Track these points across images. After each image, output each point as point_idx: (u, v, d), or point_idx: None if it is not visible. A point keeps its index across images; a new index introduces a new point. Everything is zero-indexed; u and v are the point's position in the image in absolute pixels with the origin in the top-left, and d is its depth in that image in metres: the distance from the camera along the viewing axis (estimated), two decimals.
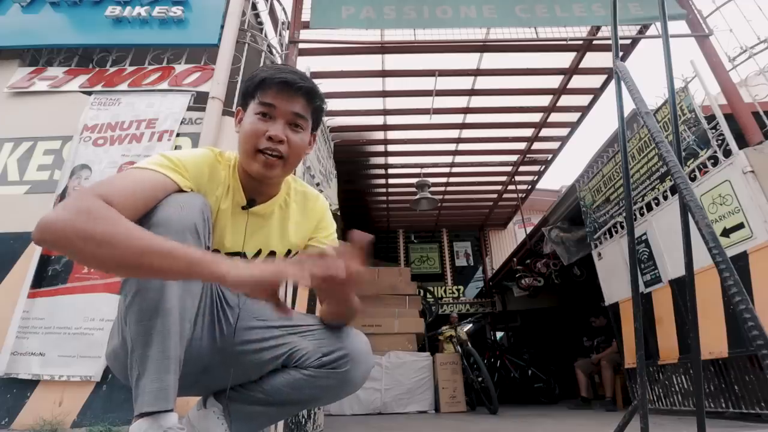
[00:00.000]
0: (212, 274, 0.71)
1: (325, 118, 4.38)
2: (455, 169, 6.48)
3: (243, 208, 1.00)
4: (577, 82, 4.67)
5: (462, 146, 5.90)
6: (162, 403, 0.74)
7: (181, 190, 0.87)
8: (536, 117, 5.29)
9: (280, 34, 3.71)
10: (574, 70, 4.48)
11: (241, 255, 1.02)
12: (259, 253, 1.05)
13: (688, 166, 3.19)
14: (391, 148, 5.95)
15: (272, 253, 1.07)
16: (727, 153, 2.91)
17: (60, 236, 0.67)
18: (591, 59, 4.39)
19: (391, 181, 6.84)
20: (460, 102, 5.03)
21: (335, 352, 0.94)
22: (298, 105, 0.95)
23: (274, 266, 0.73)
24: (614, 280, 4.17)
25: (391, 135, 5.70)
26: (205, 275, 0.71)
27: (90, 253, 0.68)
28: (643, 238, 3.71)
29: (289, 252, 1.10)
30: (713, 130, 3.03)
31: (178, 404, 0.78)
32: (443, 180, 6.78)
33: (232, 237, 0.99)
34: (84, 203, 0.70)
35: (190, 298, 0.82)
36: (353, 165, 6.22)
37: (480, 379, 4.74)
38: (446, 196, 7.28)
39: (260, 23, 3.77)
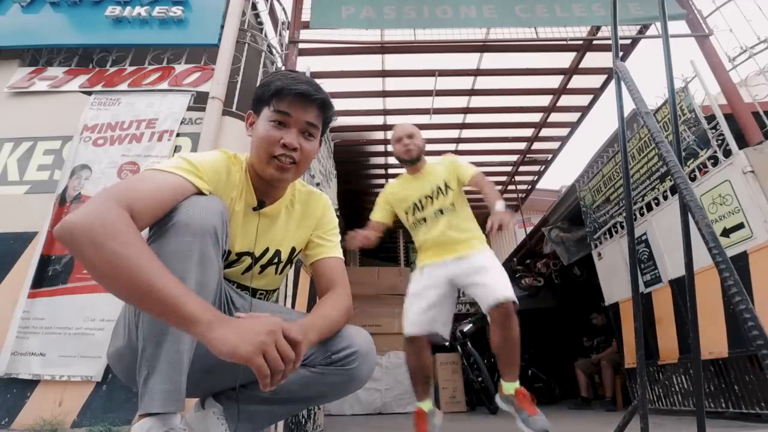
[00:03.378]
0: (199, 336, 0.69)
1: None
2: None
3: (254, 209, 1.03)
4: (577, 82, 4.67)
5: (462, 146, 5.90)
6: (173, 405, 0.75)
7: (200, 193, 0.89)
8: (536, 117, 5.29)
9: (280, 34, 3.71)
10: (574, 70, 4.48)
11: (251, 255, 1.03)
12: (266, 251, 1.07)
13: (688, 166, 3.19)
14: (391, 148, 5.94)
15: (278, 252, 1.09)
16: (727, 153, 2.91)
17: (75, 241, 0.69)
18: (591, 59, 4.39)
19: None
20: (460, 102, 5.03)
21: (344, 349, 0.96)
22: (312, 115, 0.99)
23: (258, 343, 0.69)
24: (614, 280, 4.17)
25: (391, 135, 5.70)
26: (191, 333, 0.70)
27: (95, 265, 0.69)
28: (643, 238, 3.71)
29: (293, 250, 1.12)
30: (713, 130, 3.02)
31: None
32: None
33: (243, 238, 1.02)
34: (105, 212, 0.71)
35: (205, 299, 0.82)
36: (353, 165, 6.22)
37: (480, 379, 4.74)
38: None
39: (260, 23, 3.77)
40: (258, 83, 1.03)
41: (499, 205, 2.07)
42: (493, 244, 9.54)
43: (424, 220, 2.35)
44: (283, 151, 0.96)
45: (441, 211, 2.30)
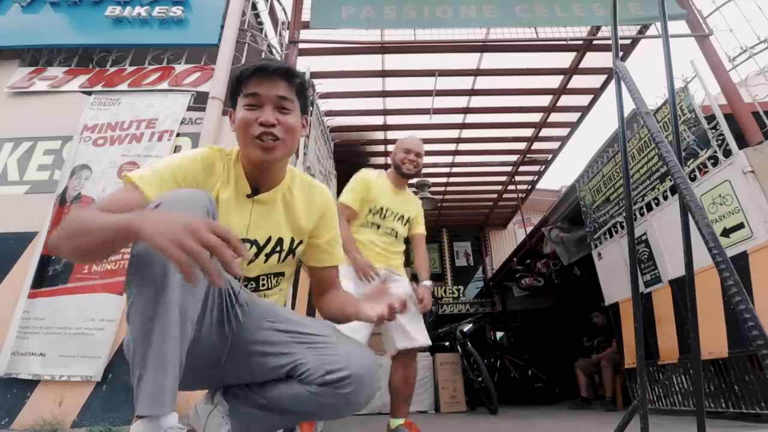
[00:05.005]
0: (128, 230, 0.70)
1: (325, 119, 4.39)
2: (455, 169, 6.47)
3: (248, 196, 1.04)
4: (577, 82, 4.67)
5: (462, 146, 5.90)
6: (157, 408, 0.74)
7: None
8: (536, 117, 5.29)
9: (280, 34, 3.71)
10: (574, 70, 4.48)
11: (251, 242, 1.05)
12: (269, 240, 1.09)
13: (688, 166, 3.19)
14: (391, 148, 5.93)
15: (280, 240, 1.10)
16: (727, 153, 2.91)
17: (53, 243, 0.80)
18: (591, 59, 4.39)
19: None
20: (460, 102, 5.03)
21: (339, 371, 0.91)
22: (281, 87, 0.99)
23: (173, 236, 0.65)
24: (614, 280, 4.17)
25: (391, 135, 5.70)
26: (123, 234, 0.72)
27: (66, 246, 0.79)
28: (643, 238, 3.71)
29: (293, 241, 1.12)
30: (713, 130, 3.02)
31: (177, 402, 0.78)
32: (443, 180, 6.78)
33: (238, 224, 1.03)
34: (69, 216, 0.84)
35: (192, 299, 0.81)
36: (353, 165, 6.19)
37: (480, 379, 4.74)
38: (446, 196, 7.28)
39: (260, 23, 3.77)
40: None
41: (429, 283, 2.25)
42: (493, 244, 9.51)
43: (378, 227, 2.32)
44: (262, 129, 0.96)
45: (395, 233, 2.35)
